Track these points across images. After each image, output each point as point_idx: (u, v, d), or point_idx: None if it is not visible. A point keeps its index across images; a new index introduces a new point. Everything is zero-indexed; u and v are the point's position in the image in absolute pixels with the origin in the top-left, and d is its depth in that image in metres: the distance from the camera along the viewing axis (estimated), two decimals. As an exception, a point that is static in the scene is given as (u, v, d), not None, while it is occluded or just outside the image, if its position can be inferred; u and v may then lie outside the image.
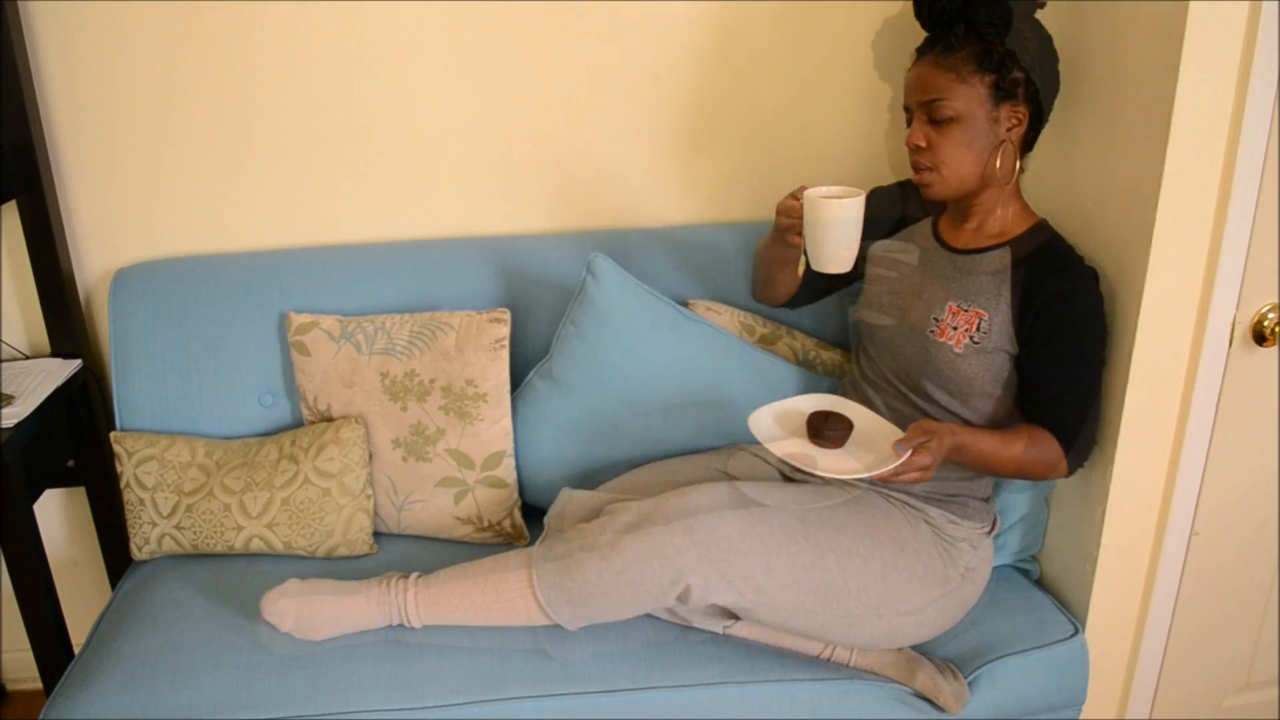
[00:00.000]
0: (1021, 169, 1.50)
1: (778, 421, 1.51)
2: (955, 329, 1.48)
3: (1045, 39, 1.46)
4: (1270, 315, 1.51)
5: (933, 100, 1.42)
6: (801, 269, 1.62)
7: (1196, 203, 1.42)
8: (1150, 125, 1.41)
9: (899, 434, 1.42)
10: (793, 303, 1.75)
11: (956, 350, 1.47)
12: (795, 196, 1.47)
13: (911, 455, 1.34)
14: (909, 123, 1.49)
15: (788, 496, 1.48)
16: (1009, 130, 1.44)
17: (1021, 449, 1.44)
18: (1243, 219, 1.43)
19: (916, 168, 1.48)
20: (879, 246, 1.64)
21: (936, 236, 1.57)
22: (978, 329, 1.47)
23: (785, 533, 1.43)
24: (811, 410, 1.49)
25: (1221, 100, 1.37)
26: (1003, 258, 1.48)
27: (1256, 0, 1.33)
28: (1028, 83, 1.42)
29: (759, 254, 1.72)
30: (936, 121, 1.43)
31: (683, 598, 1.42)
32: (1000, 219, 1.51)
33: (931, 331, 1.50)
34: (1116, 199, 1.49)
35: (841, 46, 1.89)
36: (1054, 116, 1.62)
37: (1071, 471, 1.49)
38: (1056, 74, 1.47)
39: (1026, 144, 1.48)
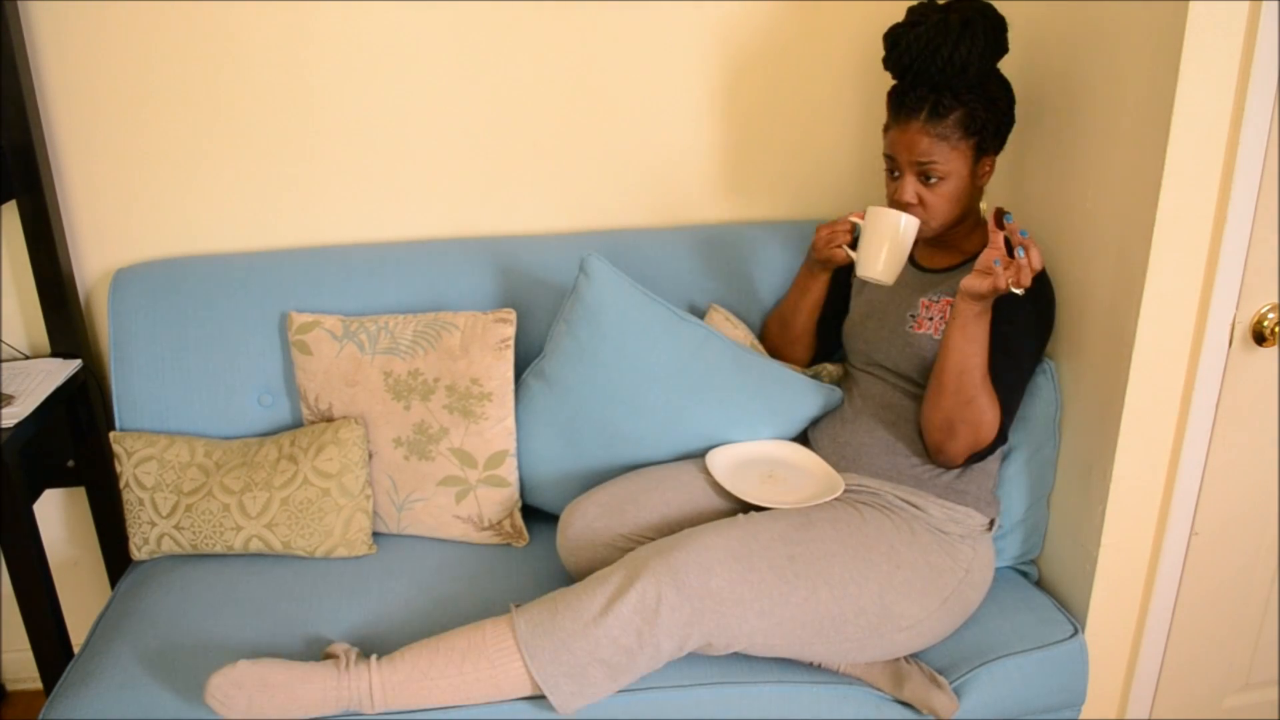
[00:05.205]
0: (984, 191, 1.61)
1: (736, 461, 1.65)
2: (931, 319, 1.58)
3: (1006, 87, 1.54)
4: (1270, 315, 1.51)
5: (926, 163, 1.51)
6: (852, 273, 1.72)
7: (1196, 203, 1.42)
8: (1150, 125, 1.41)
9: (837, 478, 1.58)
10: (812, 351, 1.81)
11: (935, 337, 1.57)
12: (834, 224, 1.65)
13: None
14: (889, 170, 1.57)
15: (774, 532, 1.45)
16: (982, 178, 1.57)
17: (987, 386, 1.47)
18: (1243, 219, 1.43)
19: None
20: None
21: (912, 260, 1.68)
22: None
23: (775, 574, 1.41)
24: (771, 452, 1.66)
25: (1221, 100, 1.37)
26: (969, 268, 1.57)
27: (1256, 0, 1.33)
28: (998, 133, 1.54)
29: (780, 306, 1.82)
30: (927, 181, 1.52)
31: (676, 652, 1.40)
32: (973, 241, 1.63)
33: (910, 327, 1.59)
34: (1116, 199, 1.49)
35: (842, 46, 1.89)
36: (1054, 117, 1.63)
37: (968, 458, 1.51)
38: (1014, 114, 1.57)
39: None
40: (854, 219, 1.60)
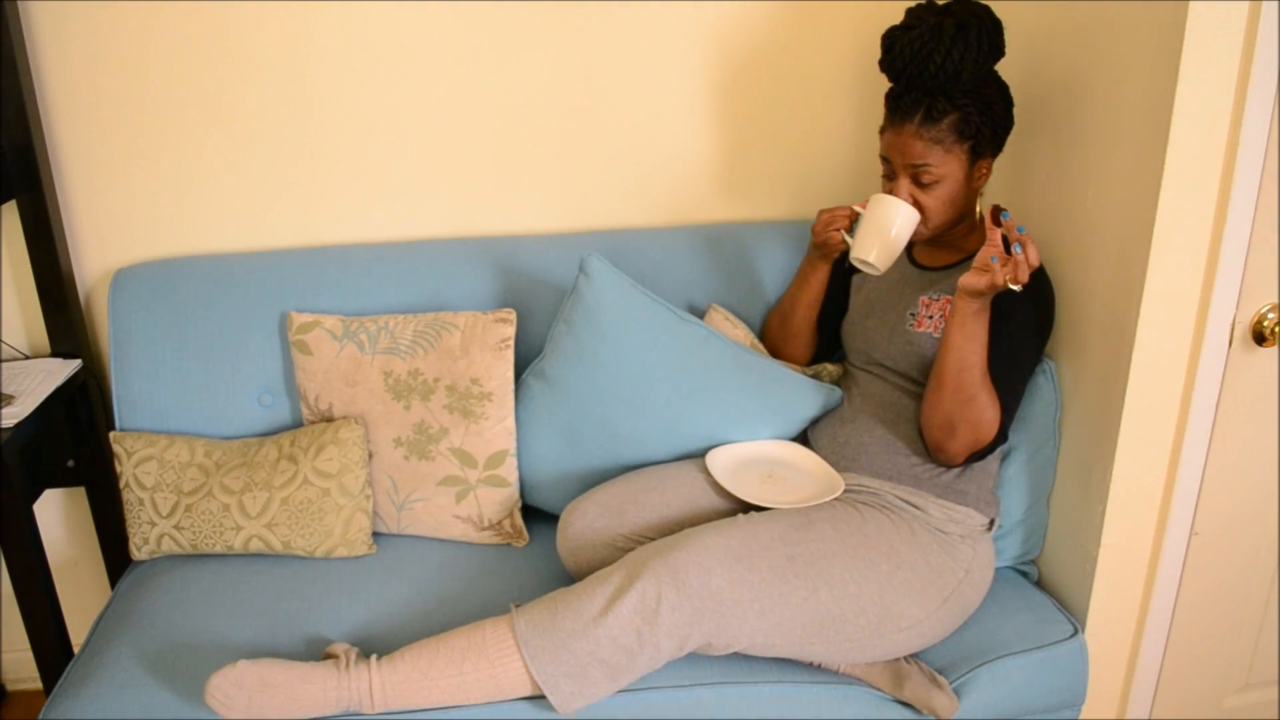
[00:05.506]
0: (980, 193, 1.62)
1: (736, 461, 1.65)
2: (930, 318, 1.59)
3: (1003, 90, 1.54)
4: (1270, 315, 1.51)
5: (920, 166, 1.52)
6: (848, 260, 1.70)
7: (1196, 203, 1.42)
8: (1150, 125, 1.41)
9: (837, 478, 1.58)
10: (813, 348, 1.82)
11: (935, 335, 1.57)
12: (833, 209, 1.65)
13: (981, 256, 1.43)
14: (885, 171, 1.58)
15: (774, 532, 1.45)
16: (978, 180, 1.57)
17: (987, 384, 1.47)
18: (1243, 219, 1.43)
19: None
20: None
21: (911, 259, 1.70)
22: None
23: (775, 574, 1.41)
24: (770, 452, 1.66)
25: (1221, 100, 1.37)
26: (969, 266, 1.57)
27: (1256, 0, 1.33)
28: (994, 136, 1.54)
29: (780, 302, 1.81)
30: (921, 183, 1.53)
31: (676, 652, 1.40)
32: (971, 240, 1.63)
33: (910, 326, 1.60)
34: (1116, 199, 1.49)
35: (841, 46, 1.89)
36: (1054, 117, 1.63)
37: (968, 457, 1.51)
38: (1012, 116, 1.56)
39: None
40: (857, 208, 1.60)
